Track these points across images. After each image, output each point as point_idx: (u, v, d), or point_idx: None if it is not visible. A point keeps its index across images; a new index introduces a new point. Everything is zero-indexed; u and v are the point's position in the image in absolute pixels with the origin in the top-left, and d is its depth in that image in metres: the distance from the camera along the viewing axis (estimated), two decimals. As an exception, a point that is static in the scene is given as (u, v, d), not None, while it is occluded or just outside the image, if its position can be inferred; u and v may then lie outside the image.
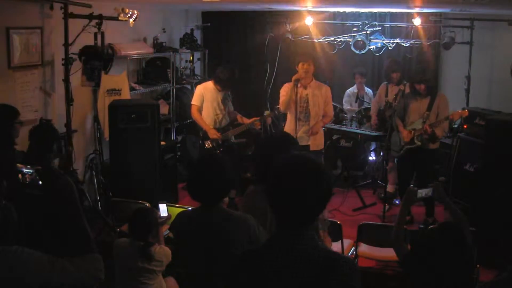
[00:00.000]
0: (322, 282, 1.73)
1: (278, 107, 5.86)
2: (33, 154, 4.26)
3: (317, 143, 5.86)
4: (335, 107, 7.73)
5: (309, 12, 7.42)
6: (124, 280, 3.42)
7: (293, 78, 5.61)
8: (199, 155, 6.35)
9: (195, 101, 6.04)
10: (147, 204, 4.57)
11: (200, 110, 6.01)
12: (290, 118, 5.88)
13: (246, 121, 6.12)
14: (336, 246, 4.09)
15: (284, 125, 6.13)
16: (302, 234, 1.79)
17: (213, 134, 5.94)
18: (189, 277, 2.86)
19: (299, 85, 5.62)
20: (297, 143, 3.26)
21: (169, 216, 4.58)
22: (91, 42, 5.56)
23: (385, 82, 6.97)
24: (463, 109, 5.97)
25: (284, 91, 5.79)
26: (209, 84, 6.05)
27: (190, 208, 3.23)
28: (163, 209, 4.62)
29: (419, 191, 3.18)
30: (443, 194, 3.27)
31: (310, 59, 5.67)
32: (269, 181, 1.85)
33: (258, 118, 6.05)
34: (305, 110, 5.74)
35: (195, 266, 2.76)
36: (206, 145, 5.97)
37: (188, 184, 2.84)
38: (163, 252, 3.43)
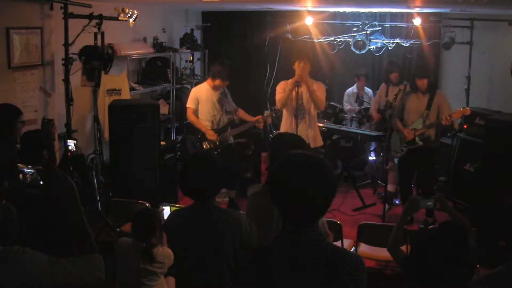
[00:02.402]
0: (333, 276, 1.75)
1: (275, 108, 5.85)
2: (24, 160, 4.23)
3: (315, 140, 5.85)
4: (335, 107, 7.75)
5: (309, 12, 7.43)
6: (125, 280, 3.41)
7: (293, 80, 5.61)
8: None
9: (189, 103, 6.01)
10: (147, 204, 4.57)
11: (195, 112, 5.99)
12: (286, 115, 5.86)
13: (250, 118, 6.10)
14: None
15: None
16: (309, 231, 1.80)
17: (210, 135, 5.93)
18: (183, 275, 2.87)
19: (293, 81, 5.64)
20: (305, 144, 3.26)
21: None
22: (91, 42, 5.56)
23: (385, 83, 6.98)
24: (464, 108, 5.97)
25: (281, 88, 5.77)
26: (203, 86, 6.04)
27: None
28: (167, 211, 4.61)
29: (421, 201, 3.21)
30: (447, 204, 3.31)
31: (305, 58, 5.65)
32: (273, 181, 1.86)
33: (261, 116, 6.02)
34: (300, 107, 5.73)
35: (188, 264, 2.77)
36: (204, 146, 5.96)
37: (180, 181, 2.85)
38: (165, 253, 3.41)
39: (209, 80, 5.98)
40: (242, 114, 6.17)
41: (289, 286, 1.77)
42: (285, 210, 1.83)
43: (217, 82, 5.87)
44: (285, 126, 5.85)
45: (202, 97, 5.95)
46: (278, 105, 5.77)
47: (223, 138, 6.02)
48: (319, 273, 1.75)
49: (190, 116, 6.02)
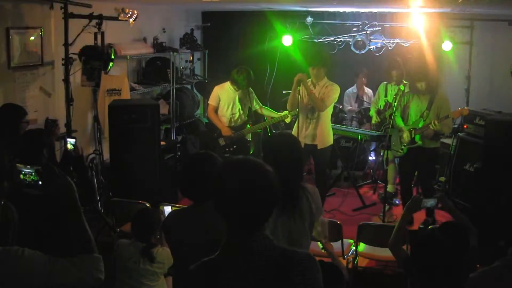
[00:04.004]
0: (283, 278, 1.73)
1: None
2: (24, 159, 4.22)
3: (324, 141, 5.80)
4: (335, 107, 7.73)
5: (309, 12, 7.43)
6: (125, 281, 3.41)
7: (296, 78, 5.61)
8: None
9: (211, 101, 6.18)
10: (147, 204, 4.57)
11: (216, 109, 6.13)
12: (300, 115, 5.86)
13: (276, 114, 6.12)
14: (336, 246, 4.08)
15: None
16: (255, 237, 1.77)
17: (226, 131, 6.06)
18: (182, 276, 2.86)
19: (309, 83, 5.66)
20: (299, 145, 3.22)
21: None
22: (91, 42, 5.56)
23: (385, 82, 6.96)
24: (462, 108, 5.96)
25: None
26: (226, 85, 6.15)
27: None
28: (167, 211, 4.60)
29: (424, 200, 3.21)
30: (448, 203, 3.30)
31: (319, 64, 5.63)
32: (214, 190, 1.82)
33: (285, 112, 6.01)
34: (312, 108, 5.73)
35: (187, 264, 2.76)
36: (220, 143, 6.06)
37: (180, 181, 2.84)
38: (165, 254, 3.41)
39: (229, 82, 6.06)
40: (266, 112, 6.27)
41: None
42: (227, 218, 1.80)
43: (236, 86, 6.02)
44: (297, 125, 5.83)
45: (223, 96, 6.10)
46: (287, 106, 5.85)
47: (240, 135, 6.11)
48: (268, 277, 1.73)
49: (210, 112, 6.18)
